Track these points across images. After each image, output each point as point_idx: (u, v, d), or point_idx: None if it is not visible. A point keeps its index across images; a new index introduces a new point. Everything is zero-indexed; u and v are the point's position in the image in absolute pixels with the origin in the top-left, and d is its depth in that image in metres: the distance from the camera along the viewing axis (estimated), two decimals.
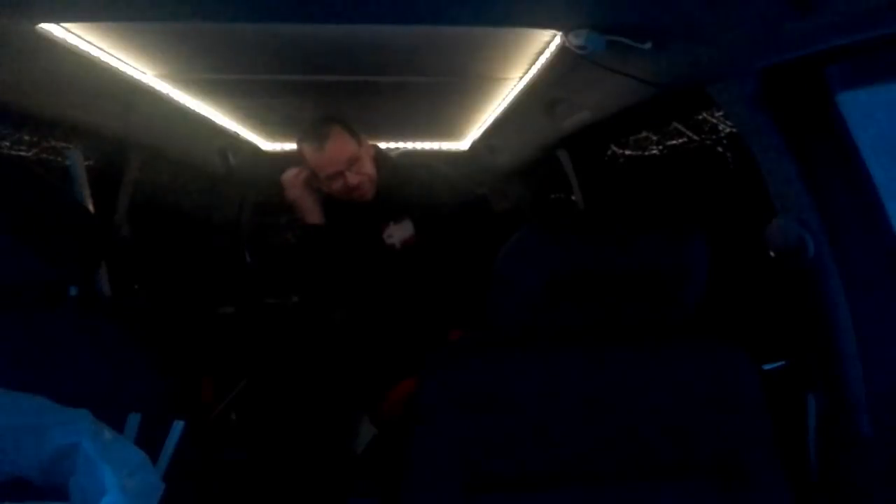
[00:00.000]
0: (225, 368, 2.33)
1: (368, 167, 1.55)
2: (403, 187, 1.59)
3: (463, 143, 2.44)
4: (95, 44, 1.13)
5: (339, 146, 1.51)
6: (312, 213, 1.59)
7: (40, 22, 0.97)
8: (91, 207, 1.53)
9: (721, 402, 0.88)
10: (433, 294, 1.56)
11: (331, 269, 1.68)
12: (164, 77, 1.40)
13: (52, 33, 1.02)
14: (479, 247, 1.54)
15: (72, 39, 1.07)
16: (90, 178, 1.56)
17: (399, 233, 1.58)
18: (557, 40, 1.14)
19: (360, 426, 2.04)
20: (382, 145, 1.83)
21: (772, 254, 1.09)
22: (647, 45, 1.00)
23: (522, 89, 1.54)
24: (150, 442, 0.71)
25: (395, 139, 2.33)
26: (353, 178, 1.51)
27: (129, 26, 1.07)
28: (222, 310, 2.66)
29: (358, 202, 1.57)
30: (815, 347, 1.09)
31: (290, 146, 2.37)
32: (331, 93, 1.61)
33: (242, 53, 1.26)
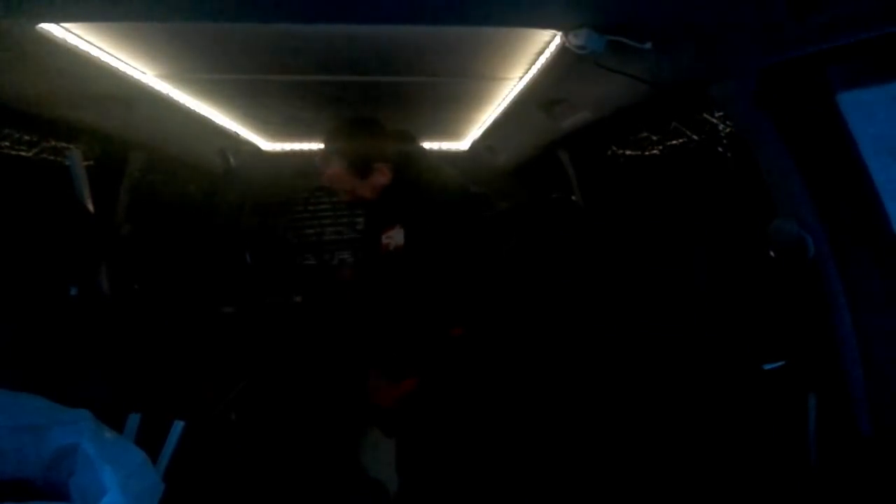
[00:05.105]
0: (225, 368, 2.33)
1: (343, 183, 1.60)
2: (408, 197, 1.60)
3: (463, 143, 2.44)
4: (95, 44, 1.13)
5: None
6: None
7: (40, 22, 0.97)
8: (91, 207, 1.53)
9: (721, 403, 0.88)
10: (422, 296, 1.53)
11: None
12: (164, 77, 1.40)
13: (52, 33, 1.02)
14: (465, 259, 1.54)
15: (72, 39, 1.07)
16: (90, 178, 1.56)
17: (397, 237, 1.59)
18: (557, 40, 1.14)
19: (361, 426, 2.04)
20: None
21: (772, 254, 1.09)
22: (647, 45, 1.00)
23: (522, 89, 1.54)
24: (150, 442, 0.72)
25: None
26: (323, 178, 1.63)
27: (129, 26, 1.07)
28: (222, 310, 2.66)
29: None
30: (815, 347, 1.09)
31: (290, 146, 2.38)
32: (331, 93, 1.61)
33: (242, 53, 1.26)
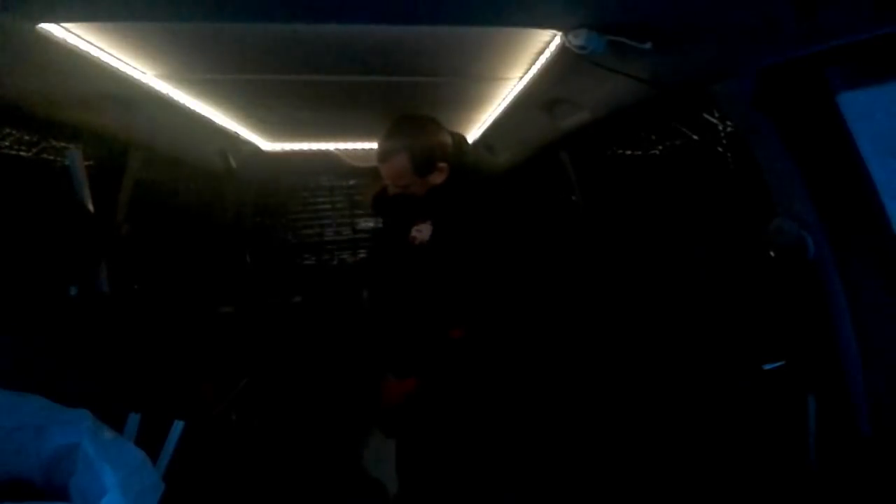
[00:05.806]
0: (225, 368, 2.33)
1: (401, 178, 1.58)
2: (449, 196, 1.61)
3: None
4: (95, 44, 1.13)
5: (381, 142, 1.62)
6: None
7: (40, 22, 0.97)
8: (91, 207, 1.53)
9: (721, 403, 0.88)
10: (432, 293, 1.56)
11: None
12: (164, 77, 1.40)
13: (52, 33, 1.02)
14: (484, 261, 1.56)
15: (72, 39, 1.07)
16: (90, 178, 1.56)
17: (426, 231, 1.62)
18: (557, 40, 1.14)
19: (361, 427, 2.04)
20: None
21: (772, 253, 1.09)
22: (647, 45, 1.00)
23: (522, 89, 1.54)
24: (150, 442, 0.72)
25: None
26: (382, 171, 1.62)
27: (129, 26, 1.07)
28: (222, 310, 2.66)
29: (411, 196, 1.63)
30: (815, 347, 1.09)
31: (290, 146, 2.38)
32: (331, 93, 1.61)
33: (242, 53, 1.26)
